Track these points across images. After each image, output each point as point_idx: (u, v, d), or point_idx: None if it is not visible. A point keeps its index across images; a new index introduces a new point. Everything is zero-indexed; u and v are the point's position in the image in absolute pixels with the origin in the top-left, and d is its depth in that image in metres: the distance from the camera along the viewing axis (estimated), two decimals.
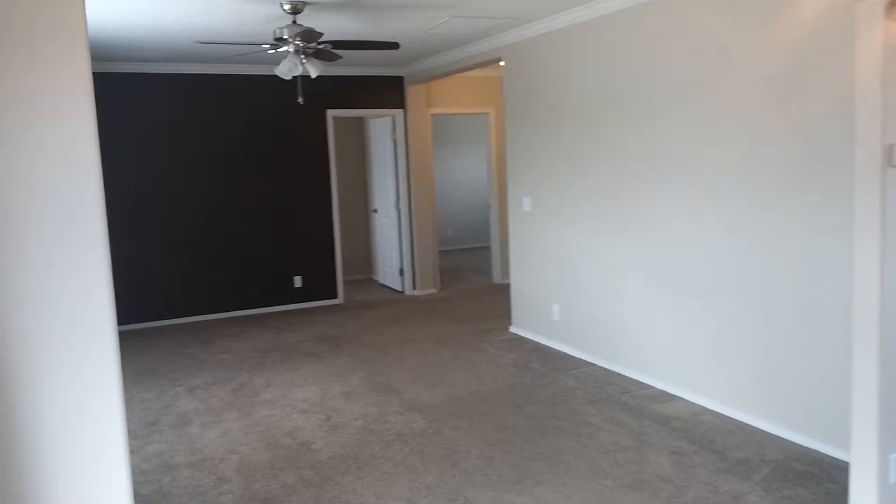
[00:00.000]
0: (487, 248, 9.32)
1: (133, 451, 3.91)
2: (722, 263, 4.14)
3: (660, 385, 4.68)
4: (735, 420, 4.10)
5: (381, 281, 8.79)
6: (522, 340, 5.99)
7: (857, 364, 2.80)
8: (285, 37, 4.48)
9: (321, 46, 4.67)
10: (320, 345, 6.07)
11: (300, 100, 5.53)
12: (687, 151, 4.30)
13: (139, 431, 4.21)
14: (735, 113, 3.97)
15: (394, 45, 4.89)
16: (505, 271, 7.79)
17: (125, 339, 6.37)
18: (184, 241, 7.03)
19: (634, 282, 4.84)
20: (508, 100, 6.09)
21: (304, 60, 4.63)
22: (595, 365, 5.23)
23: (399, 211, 8.16)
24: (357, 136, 9.25)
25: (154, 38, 5.43)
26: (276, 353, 5.86)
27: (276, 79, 6.27)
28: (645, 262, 4.73)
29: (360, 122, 9.16)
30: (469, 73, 7.79)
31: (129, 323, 6.85)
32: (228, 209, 7.20)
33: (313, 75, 4.77)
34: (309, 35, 4.50)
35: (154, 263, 6.92)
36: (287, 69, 4.57)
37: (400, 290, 8.29)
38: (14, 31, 2.12)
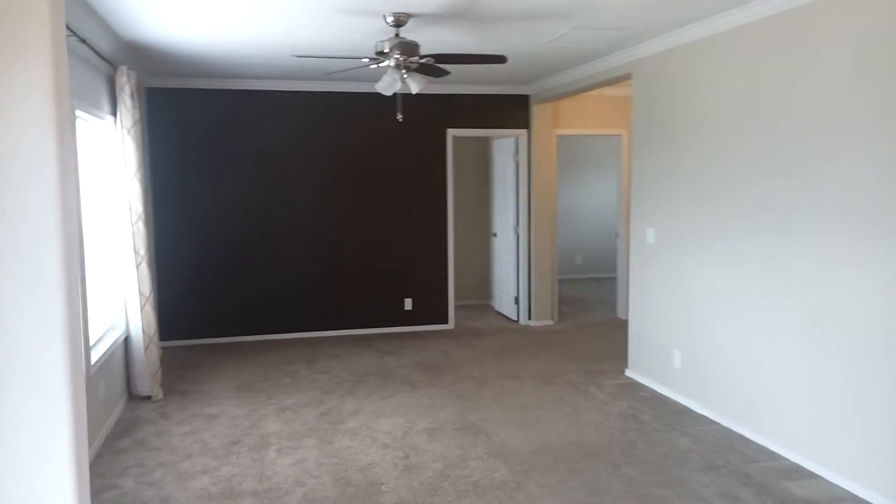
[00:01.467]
0: (615, 280, 8.72)
1: (206, 472, 3.83)
2: (880, 321, 3.43)
3: (794, 457, 3.98)
4: None
5: (497, 308, 8.45)
6: (637, 387, 5.41)
7: None
8: (386, 51, 4.31)
9: (423, 60, 4.46)
10: (419, 373, 5.82)
11: (399, 117, 5.35)
12: (844, 185, 3.62)
13: (218, 451, 4.13)
14: None
15: (500, 59, 4.57)
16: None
17: (238, 351, 6.49)
18: (300, 258, 7.09)
19: (772, 332, 4.18)
20: (637, 120, 5.58)
21: (406, 75, 4.44)
22: (718, 424, 4.58)
23: (517, 236, 7.80)
24: (482, 157, 9.01)
25: (255, 54, 5.45)
26: (373, 377, 5.68)
27: (394, 97, 6.17)
28: (785, 310, 4.06)
29: (486, 142, 8.91)
30: (600, 91, 7.35)
31: (245, 335, 6.97)
32: (343, 228, 7.18)
33: (414, 91, 4.57)
34: (409, 48, 4.30)
35: (272, 280, 7.02)
36: (387, 84, 4.39)
37: (514, 319, 7.90)
38: None
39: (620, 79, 5.91)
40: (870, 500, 3.47)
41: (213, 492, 3.59)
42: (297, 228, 7.07)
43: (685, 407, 4.92)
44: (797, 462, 3.94)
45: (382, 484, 3.69)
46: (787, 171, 3.99)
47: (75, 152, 2.16)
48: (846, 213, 3.59)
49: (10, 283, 2.07)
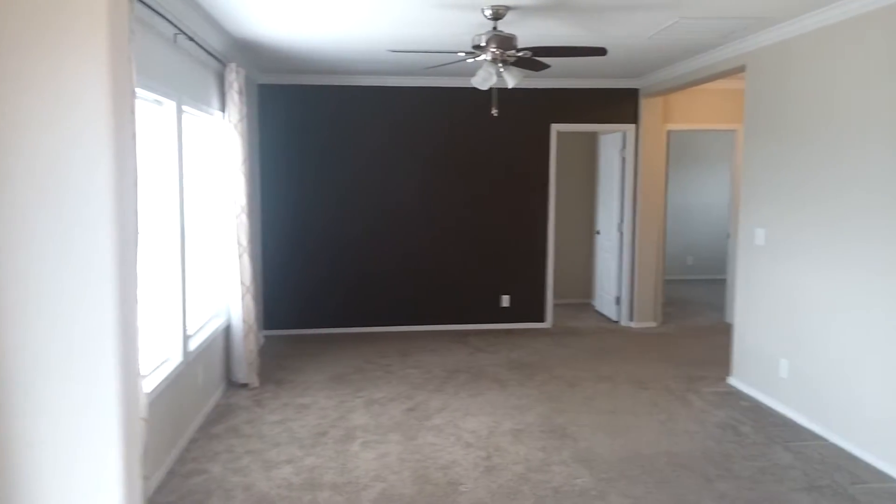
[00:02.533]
0: (725, 282, 8.27)
1: (291, 462, 3.96)
2: None
3: None
4: None
5: (598, 308, 8.23)
6: (739, 396, 5.11)
7: None
8: (482, 44, 4.27)
9: (521, 54, 4.39)
10: (510, 371, 5.76)
11: (494, 112, 5.30)
12: None
13: (305, 441, 4.26)
14: None
15: (601, 51, 4.42)
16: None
17: (335, 343, 6.69)
18: (400, 252, 7.19)
19: (887, 343, 3.83)
20: (749, 114, 5.26)
21: (502, 69, 4.38)
22: (825, 440, 4.26)
23: (621, 234, 7.56)
24: (588, 152, 8.79)
25: (356, 50, 5.53)
26: (463, 374, 5.68)
27: (491, 91, 6.12)
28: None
29: (593, 137, 8.68)
30: (712, 85, 6.98)
31: (344, 327, 7.17)
32: (442, 223, 7.21)
33: (510, 85, 4.49)
34: (506, 42, 4.24)
35: (372, 274, 7.17)
36: (482, 79, 4.35)
37: (615, 319, 7.67)
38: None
39: (733, 71, 5.59)
40: None
41: (295, 482, 3.71)
42: (398, 223, 7.18)
43: (790, 419, 4.60)
44: None
45: (461, 484, 3.68)
46: None
47: (134, 151, 2.28)
48: None
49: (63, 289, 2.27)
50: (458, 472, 3.82)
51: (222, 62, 5.11)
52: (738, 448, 4.15)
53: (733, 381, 5.38)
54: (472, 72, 5.89)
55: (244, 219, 5.23)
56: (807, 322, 4.51)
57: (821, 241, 4.37)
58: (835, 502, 3.47)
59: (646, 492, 3.59)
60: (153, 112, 3.95)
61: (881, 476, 3.75)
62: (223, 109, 5.22)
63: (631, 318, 7.47)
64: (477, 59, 4.40)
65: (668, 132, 7.49)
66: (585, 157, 8.77)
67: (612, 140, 7.76)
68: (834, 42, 4.24)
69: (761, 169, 5.06)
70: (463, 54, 4.43)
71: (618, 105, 7.35)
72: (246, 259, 5.24)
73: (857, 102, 4.05)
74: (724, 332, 6.94)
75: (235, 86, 5.11)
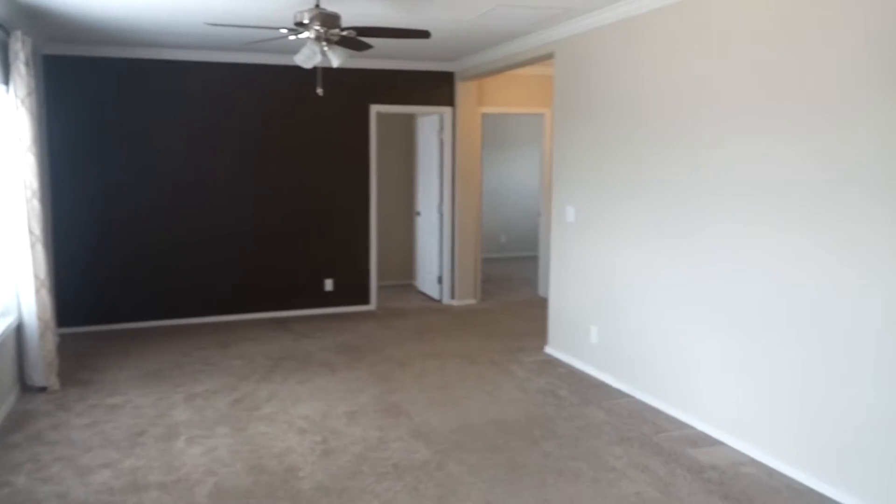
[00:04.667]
0: (538, 258, 8.79)
1: (108, 465, 3.63)
2: (785, 296, 3.55)
3: (701, 426, 4.11)
4: (782, 474, 3.51)
5: (420, 288, 8.40)
6: (556, 363, 5.48)
7: None
8: (305, 21, 4.14)
9: (345, 33, 4.31)
10: (338, 355, 5.71)
11: (319, 91, 5.19)
12: (758, 167, 3.70)
13: (122, 442, 3.92)
14: (813, 123, 3.38)
15: (424, 34, 4.47)
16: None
17: (146, 337, 6.21)
18: (211, 238, 6.82)
19: (683, 307, 4.28)
20: (558, 99, 5.59)
21: (326, 48, 4.28)
22: (632, 397, 4.69)
23: (441, 214, 7.76)
24: (406, 134, 8.90)
25: (164, 20, 5.15)
26: (290, 361, 5.54)
27: (314, 70, 5.96)
28: (696, 287, 4.16)
29: (411, 119, 8.80)
30: (524, 70, 7.32)
31: (154, 319, 6.68)
32: (259, 207, 6.95)
33: (335, 64, 4.41)
34: (330, 20, 4.15)
35: (183, 261, 6.73)
36: (306, 57, 4.22)
37: (437, 298, 7.87)
38: None
39: (543, 58, 5.91)
40: (766, 463, 3.62)
41: (116, 486, 3.41)
42: (210, 207, 6.79)
43: (602, 381, 5.01)
44: (703, 431, 4.07)
45: (299, 470, 3.59)
46: (697, 151, 4.07)
47: None
48: (755, 193, 3.68)
49: None
50: (294, 459, 3.73)
51: (6, 30, 4.50)
52: (558, 410, 4.44)
53: (550, 349, 5.75)
54: (295, 49, 5.71)
55: (36, 204, 4.67)
56: (613, 291, 4.93)
57: (624, 217, 4.78)
58: (643, 450, 3.84)
59: (480, 458, 3.73)
60: None
61: (680, 424, 4.21)
62: (7, 83, 4.61)
63: (453, 297, 7.71)
64: (299, 36, 4.27)
65: (483, 115, 7.78)
66: (404, 139, 8.87)
67: (430, 122, 7.91)
68: (634, 32, 4.63)
69: (570, 150, 5.42)
70: (285, 31, 4.27)
71: (435, 88, 7.50)
72: (40, 249, 4.69)
73: (653, 88, 4.47)
74: (538, 305, 7.38)
75: (22, 56, 4.53)
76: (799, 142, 3.40)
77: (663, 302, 4.42)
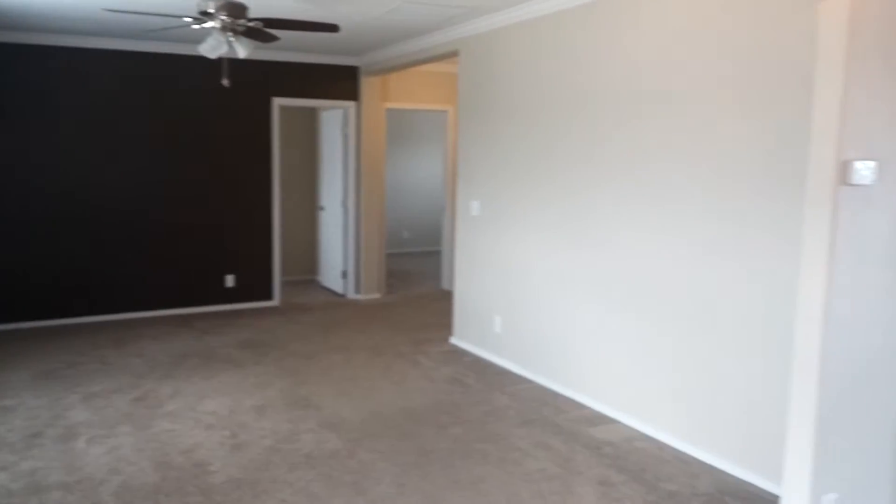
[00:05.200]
0: (441, 253, 8.96)
1: (4, 468, 3.48)
2: (670, 284, 3.85)
3: (597, 406, 4.38)
4: (671, 447, 3.81)
5: (324, 283, 8.39)
6: (462, 353, 5.65)
7: (795, 396, 2.52)
8: (210, 10, 4.08)
9: (251, 24, 4.29)
10: (243, 351, 5.65)
11: (225, 82, 5.13)
12: (647, 163, 3.99)
13: (17, 445, 3.76)
14: (700, 124, 3.68)
15: (333, 28, 4.51)
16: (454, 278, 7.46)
17: (36, 337, 5.91)
18: (107, 233, 6.56)
19: (579, 296, 4.54)
20: (463, 96, 5.76)
21: (232, 39, 4.24)
22: (534, 382, 4.92)
23: (346, 209, 7.78)
24: (309, 128, 8.84)
25: (59, 4, 4.93)
26: (193, 358, 5.43)
27: (219, 61, 5.85)
28: (590, 276, 4.43)
29: (313, 113, 8.75)
30: (429, 67, 7.46)
31: (44, 319, 6.36)
32: (158, 201, 6.74)
33: (241, 56, 4.38)
34: (236, 10, 4.11)
35: (77, 257, 6.44)
36: (211, 47, 4.17)
37: (342, 293, 7.90)
38: None
39: (448, 55, 6.05)
40: (657, 437, 3.92)
41: (14, 488, 3.28)
42: (106, 202, 6.52)
43: (505, 369, 5.22)
44: (600, 411, 4.34)
45: (209, 465, 3.57)
46: (600, 149, 4.33)
47: None
48: (655, 184, 3.97)
49: None
50: (203, 454, 3.70)
51: None
52: (464, 397, 4.61)
53: (455, 340, 5.92)
54: (195, 38, 5.58)
55: None
56: (515, 282, 5.15)
57: (526, 211, 5.00)
58: (545, 431, 4.06)
59: (390, 445, 3.84)
60: None
61: (578, 406, 4.47)
62: None
63: (357, 291, 7.75)
64: (204, 25, 4.21)
65: (388, 110, 7.86)
66: (307, 133, 8.82)
67: (333, 116, 7.91)
68: (534, 33, 4.85)
69: (474, 147, 5.61)
70: (189, 20, 4.20)
71: (339, 82, 7.50)
72: None
73: (552, 87, 4.70)
74: (443, 298, 7.55)
75: None
76: (682, 141, 3.70)
77: (563, 292, 4.67)
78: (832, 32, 2.32)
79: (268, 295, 7.35)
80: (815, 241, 2.40)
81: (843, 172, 2.34)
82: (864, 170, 2.35)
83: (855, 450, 2.56)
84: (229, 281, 7.14)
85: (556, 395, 4.66)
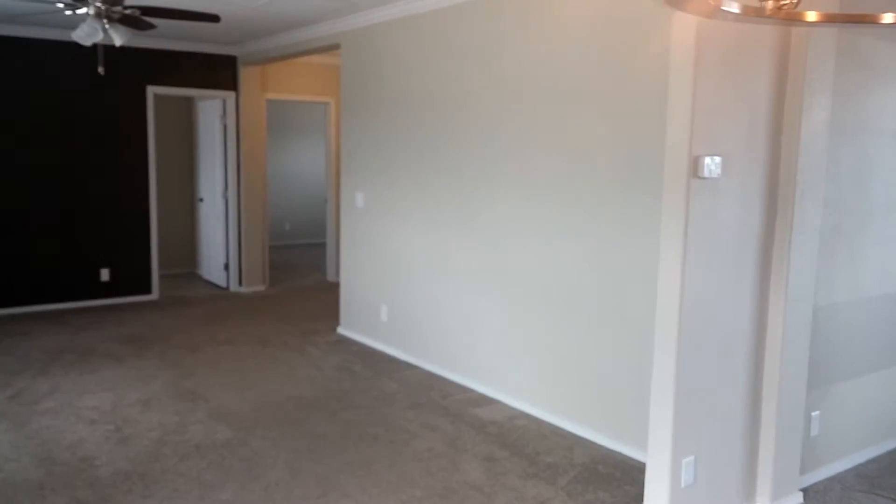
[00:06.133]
0: (325, 245, 8.97)
1: None
2: (544, 270, 4.15)
3: (481, 389, 4.64)
4: (549, 424, 4.12)
5: (205, 276, 8.21)
6: (349, 342, 5.76)
7: (656, 371, 2.84)
8: None
9: (128, 12, 4.18)
10: (124, 346, 5.49)
11: (100, 70, 4.97)
12: (521, 156, 4.26)
13: None
14: (569, 117, 3.98)
15: (214, 18, 4.47)
16: (339, 269, 7.52)
17: None
18: None
19: (461, 284, 4.77)
20: (345, 89, 5.84)
21: (108, 26, 4.12)
22: (420, 368, 5.11)
23: (226, 201, 7.65)
24: (186, 119, 8.58)
25: None
26: (69, 354, 5.22)
27: (94, 48, 5.61)
28: (472, 264, 4.67)
29: (190, 102, 8.50)
30: (310, 58, 7.46)
31: None
32: (27, 192, 6.36)
33: (118, 43, 4.26)
34: None
35: None
36: (86, 34, 4.04)
37: (224, 286, 7.77)
38: None
39: (329, 48, 6.11)
40: (536, 415, 4.22)
41: None
42: None
43: (392, 356, 5.38)
44: (484, 392, 4.60)
45: (95, 458, 3.50)
46: (475, 143, 4.56)
47: None
48: (525, 176, 4.25)
49: None
50: (88, 448, 3.61)
51: None
52: (353, 385, 4.74)
53: (343, 330, 6.02)
54: (74, 25, 5.33)
55: None
56: (401, 272, 5.32)
57: (410, 202, 5.18)
58: (432, 413, 4.26)
59: (281, 432, 3.91)
60: None
61: (464, 389, 4.70)
62: None
63: (240, 284, 7.66)
64: (78, 11, 4.07)
65: (268, 101, 7.79)
66: (184, 124, 8.56)
67: (211, 106, 7.74)
68: (414, 30, 5.02)
69: (358, 139, 5.71)
70: (62, 5, 4.04)
71: (217, 71, 7.36)
72: None
73: (433, 83, 4.89)
74: (328, 290, 7.60)
75: None
76: (551, 138, 4.00)
77: (446, 281, 4.89)
78: (683, 45, 2.65)
79: (146, 289, 7.11)
80: (671, 229, 2.73)
81: (694, 166, 2.67)
82: (711, 164, 2.70)
83: (709, 416, 2.92)
84: (105, 275, 6.85)
85: (442, 380, 4.87)
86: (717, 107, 2.71)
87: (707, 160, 2.68)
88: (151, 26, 4.58)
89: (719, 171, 2.73)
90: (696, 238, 2.72)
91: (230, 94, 7.46)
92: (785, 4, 0.98)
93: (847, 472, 3.54)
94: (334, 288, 7.08)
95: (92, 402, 4.27)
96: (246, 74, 7.45)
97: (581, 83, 3.83)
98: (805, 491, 3.29)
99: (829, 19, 1.31)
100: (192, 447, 3.68)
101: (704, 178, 2.70)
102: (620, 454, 3.71)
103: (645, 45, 3.47)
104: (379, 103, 5.45)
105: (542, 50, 4.06)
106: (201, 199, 8.20)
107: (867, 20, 1.18)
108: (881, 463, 3.66)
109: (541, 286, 4.16)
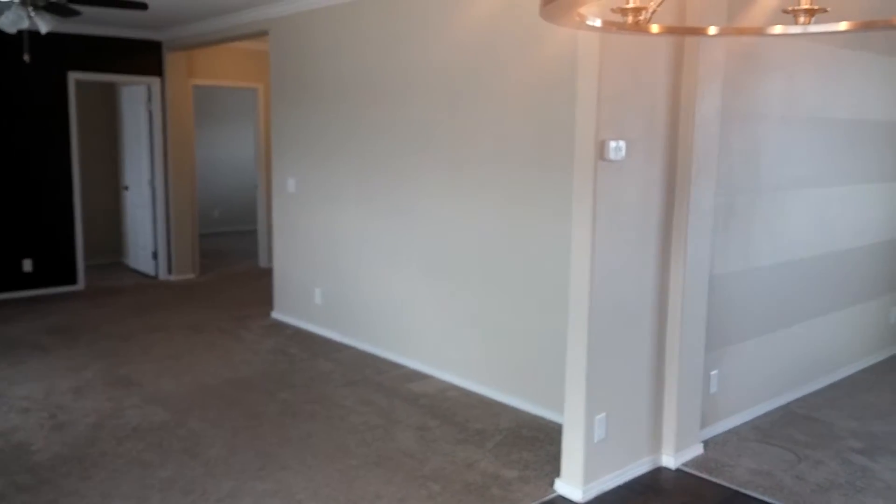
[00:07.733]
0: (255, 231, 8.97)
1: None
2: (469, 250, 4.37)
3: (414, 365, 4.84)
4: (477, 394, 4.36)
5: (132, 265, 8.11)
6: (283, 326, 5.87)
7: (570, 337, 3.10)
8: None
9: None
10: (51, 336, 5.44)
11: (26, 57, 4.90)
12: (447, 141, 4.45)
13: None
14: (492, 104, 4.18)
15: (142, 6, 4.48)
16: (272, 255, 7.57)
17: None
18: None
19: (392, 264, 4.95)
20: (274, 76, 5.90)
21: (33, 13, 4.08)
22: (355, 348, 5.27)
23: (154, 189, 7.57)
24: (109, 105, 8.40)
25: None
26: None
27: (19, 35, 5.48)
28: (402, 245, 4.85)
29: (113, 88, 8.32)
30: (237, 44, 7.42)
31: None
32: None
33: (44, 31, 4.22)
34: None
35: None
36: (10, 21, 3.99)
37: (153, 274, 7.70)
38: None
39: (258, 34, 6.13)
40: (465, 387, 4.46)
41: None
42: None
43: (327, 338, 5.52)
44: (416, 368, 4.81)
45: (31, 445, 3.54)
46: (407, 127, 4.73)
47: None
48: (455, 159, 4.45)
49: None
50: (23, 436, 3.64)
51: None
52: (290, 366, 4.86)
53: (276, 314, 6.11)
54: None
55: None
56: (334, 255, 5.45)
57: (341, 187, 5.31)
58: (367, 389, 4.44)
59: (219, 413, 4.02)
60: None
61: (397, 366, 4.89)
62: None
63: (170, 272, 7.61)
64: None
65: (194, 87, 7.72)
66: (107, 110, 8.38)
67: (135, 93, 7.63)
68: (343, 17, 5.13)
69: (288, 125, 5.79)
70: None
71: (141, 57, 7.26)
72: None
73: (362, 69, 5.03)
74: (259, 276, 7.65)
75: None
76: (477, 125, 4.21)
77: (378, 262, 5.06)
78: (589, 40, 2.89)
79: (71, 279, 7.00)
80: (582, 207, 2.98)
81: (601, 150, 2.92)
82: (616, 147, 2.96)
83: (618, 376, 3.20)
84: (27, 265, 6.71)
85: (376, 358, 5.05)
86: (620, 95, 2.97)
87: (612, 143, 2.94)
88: (76, 13, 4.54)
89: (623, 153, 2.99)
90: (603, 215, 2.98)
91: (155, 80, 7.37)
92: (640, 19, 1.20)
93: (743, 425, 3.92)
94: (266, 274, 7.15)
95: (22, 391, 4.27)
96: (171, 60, 7.37)
97: (500, 73, 4.04)
98: (706, 443, 3.64)
99: (669, 31, 1.56)
100: (129, 430, 3.75)
101: (611, 161, 2.96)
102: (543, 418, 3.98)
103: (556, 40, 3.70)
104: (308, 89, 5.54)
105: (466, 40, 4.25)
106: (126, 187, 8.07)
107: (698, 33, 1.42)
108: (773, 416, 4.06)
109: (466, 265, 4.38)
